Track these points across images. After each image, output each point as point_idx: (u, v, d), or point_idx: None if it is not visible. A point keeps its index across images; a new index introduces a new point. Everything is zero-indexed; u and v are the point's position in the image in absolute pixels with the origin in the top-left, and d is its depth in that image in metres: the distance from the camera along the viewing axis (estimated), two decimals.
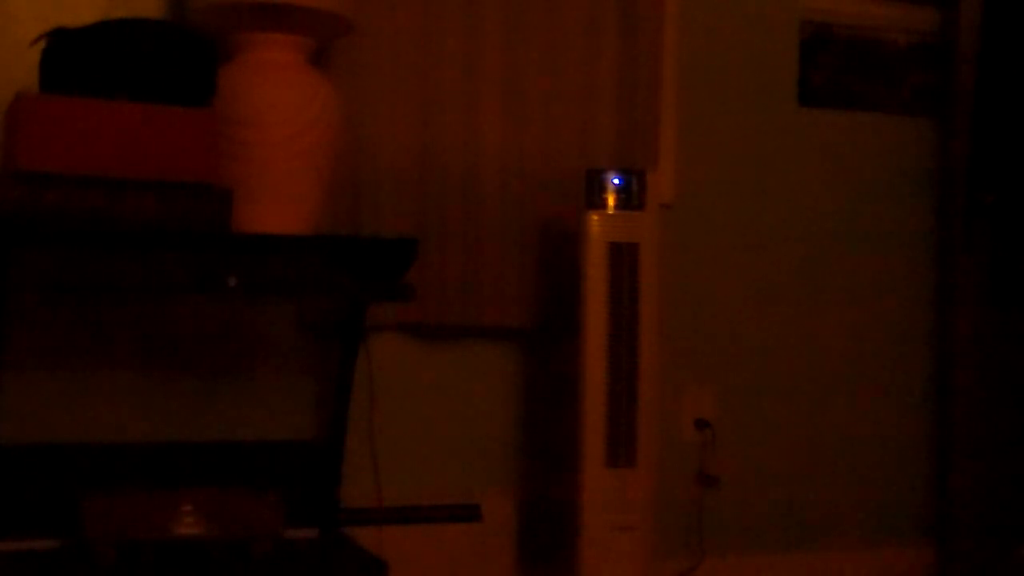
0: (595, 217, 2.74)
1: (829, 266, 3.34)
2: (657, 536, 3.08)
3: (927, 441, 3.45)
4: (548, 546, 3.02)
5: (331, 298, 2.76)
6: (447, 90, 2.86)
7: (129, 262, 2.25)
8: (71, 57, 2.27)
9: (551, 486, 3.03)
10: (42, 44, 2.31)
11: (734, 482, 3.23)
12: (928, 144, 3.45)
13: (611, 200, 2.74)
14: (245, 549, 2.41)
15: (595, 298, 2.74)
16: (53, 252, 2.20)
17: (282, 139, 2.41)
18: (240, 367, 2.76)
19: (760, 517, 3.26)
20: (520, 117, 2.93)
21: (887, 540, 3.39)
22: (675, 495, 3.17)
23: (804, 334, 3.31)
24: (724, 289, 3.23)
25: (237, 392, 2.76)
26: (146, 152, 2.25)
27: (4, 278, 2.18)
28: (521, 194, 2.93)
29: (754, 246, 3.26)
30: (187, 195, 2.28)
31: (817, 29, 3.31)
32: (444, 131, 2.86)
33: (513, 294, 2.92)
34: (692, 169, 3.19)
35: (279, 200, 2.43)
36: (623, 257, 2.75)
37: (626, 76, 3.02)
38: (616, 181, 2.74)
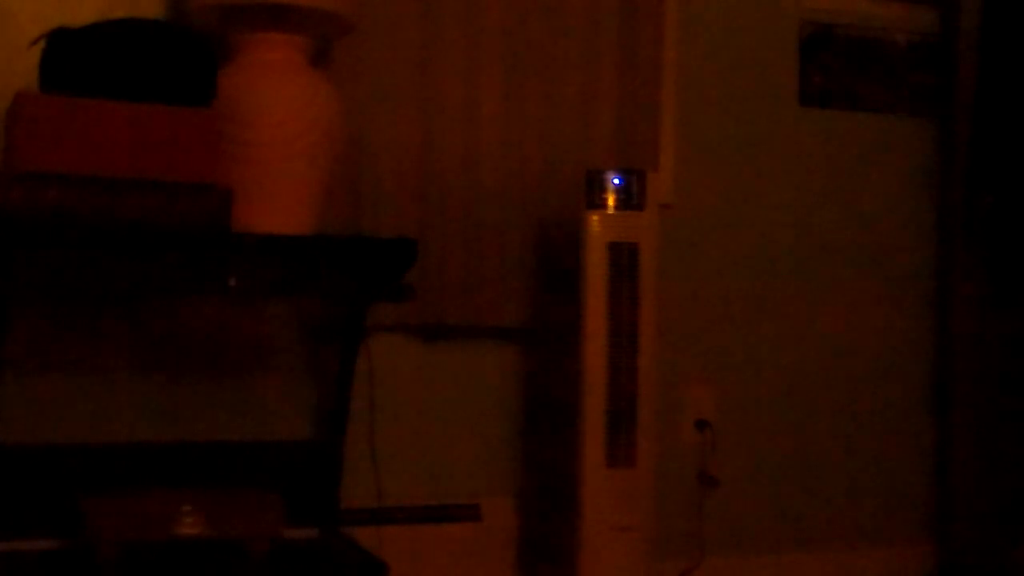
0: (595, 217, 2.74)
1: (829, 266, 3.34)
2: (657, 536, 3.07)
3: (927, 441, 3.45)
4: (548, 546, 3.02)
5: (331, 298, 2.76)
6: (447, 90, 2.86)
7: (129, 262, 2.25)
8: (71, 57, 2.27)
9: (551, 486, 3.03)
10: (42, 44, 2.30)
11: (734, 482, 3.23)
12: (928, 144, 3.44)
13: (611, 200, 2.74)
14: (245, 549, 2.41)
15: (595, 298, 2.74)
16: (53, 252, 2.20)
17: (282, 139, 2.41)
18: (240, 367, 2.76)
19: (760, 517, 3.26)
20: (520, 117, 2.93)
21: (887, 540, 3.39)
22: (675, 495, 3.17)
23: (804, 334, 3.31)
24: (724, 289, 3.23)
25: (237, 392, 2.75)
26: (146, 152, 2.25)
27: (4, 278, 2.18)
28: (521, 194, 2.93)
29: (754, 246, 3.26)
30: (187, 195, 2.28)
31: (817, 29, 3.31)
32: (444, 131, 2.86)
33: (513, 294, 2.92)
34: (692, 169, 3.19)
35: (279, 200, 2.43)
36: (623, 257, 2.75)
37: (626, 76, 3.02)
38: (616, 181, 2.74)
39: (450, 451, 2.95)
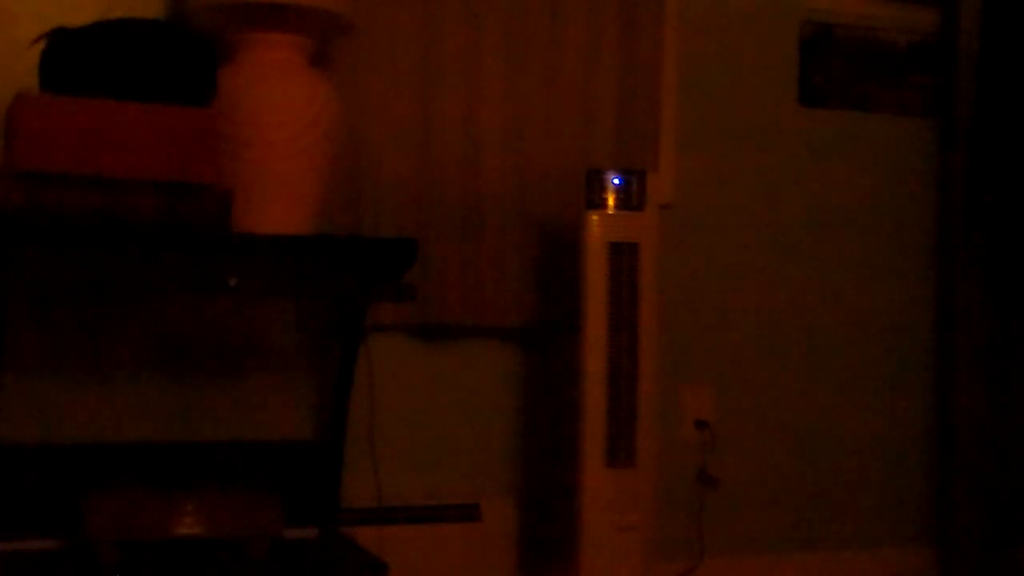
0: (595, 217, 2.74)
1: (829, 266, 3.34)
2: (657, 536, 3.08)
3: (927, 441, 3.45)
4: (548, 546, 3.02)
5: (331, 298, 2.76)
6: (447, 90, 2.86)
7: (129, 262, 2.25)
8: (71, 57, 2.27)
9: (551, 486, 3.03)
10: (42, 44, 2.31)
11: (734, 482, 3.23)
12: (928, 144, 3.45)
13: (611, 200, 2.74)
14: (245, 549, 2.41)
15: (595, 298, 2.74)
16: (53, 252, 2.20)
17: (282, 139, 2.41)
18: (240, 367, 2.76)
19: (760, 517, 3.26)
20: (520, 117, 2.93)
21: (887, 541, 3.39)
22: (675, 495, 3.17)
23: (804, 334, 3.31)
24: (724, 289, 3.23)
25: (237, 392, 2.75)
26: (146, 152, 2.25)
27: (4, 278, 2.18)
28: (521, 194, 2.93)
29: (754, 246, 3.26)
30: (187, 195, 2.28)
31: (817, 29, 3.31)
32: (444, 131, 2.86)
33: (513, 294, 2.92)
34: (692, 169, 3.19)
35: (279, 200, 2.43)
36: (623, 257, 2.75)
37: (626, 76, 3.02)
38: (616, 181, 2.74)
39: (450, 451, 2.95)
